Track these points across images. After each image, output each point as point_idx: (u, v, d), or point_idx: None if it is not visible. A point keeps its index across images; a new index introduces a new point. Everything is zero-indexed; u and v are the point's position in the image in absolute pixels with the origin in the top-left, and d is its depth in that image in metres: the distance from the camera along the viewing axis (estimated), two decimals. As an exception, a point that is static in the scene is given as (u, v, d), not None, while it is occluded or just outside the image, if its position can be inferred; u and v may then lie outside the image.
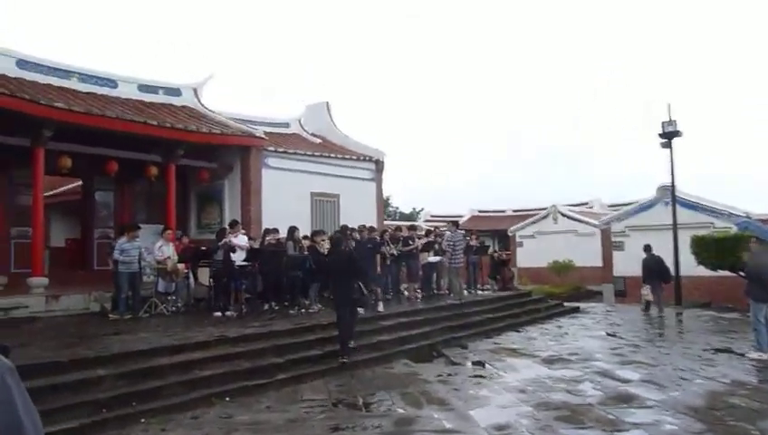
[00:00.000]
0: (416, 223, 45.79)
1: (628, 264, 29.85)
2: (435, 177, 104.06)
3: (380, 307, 15.82)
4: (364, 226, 18.56)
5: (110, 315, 14.45)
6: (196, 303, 16.45)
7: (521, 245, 43.53)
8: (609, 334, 16.52)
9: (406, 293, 18.43)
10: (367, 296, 12.92)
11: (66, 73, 18.16)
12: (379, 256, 17.45)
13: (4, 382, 3.04)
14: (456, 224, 19.35)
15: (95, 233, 21.14)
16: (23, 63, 17.79)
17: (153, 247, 15.68)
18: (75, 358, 10.06)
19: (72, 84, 17.99)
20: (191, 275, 16.44)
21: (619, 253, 31.92)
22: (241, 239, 15.67)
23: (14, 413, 3.01)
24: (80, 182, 22.77)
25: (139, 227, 15.15)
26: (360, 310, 13.41)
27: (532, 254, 42.18)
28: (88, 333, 12.45)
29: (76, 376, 9.62)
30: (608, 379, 11.39)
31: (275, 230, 16.61)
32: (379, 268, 17.22)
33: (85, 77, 18.33)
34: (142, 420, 9.03)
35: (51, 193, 24.86)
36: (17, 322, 13.93)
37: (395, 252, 18.08)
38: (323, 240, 15.63)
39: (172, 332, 12.48)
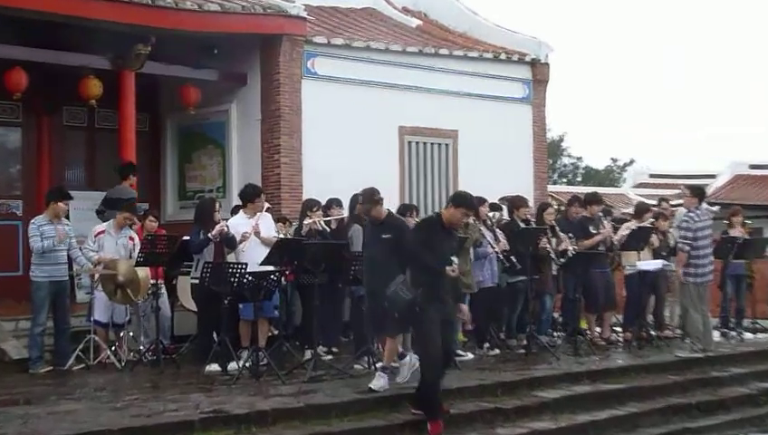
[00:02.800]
0: (619, 190, 40.24)
1: None
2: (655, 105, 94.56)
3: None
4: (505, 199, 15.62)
5: (31, 369, 12.90)
6: (176, 346, 14.31)
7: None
8: None
9: (587, 334, 15.44)
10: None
11: None
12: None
13: None
14: (699, 193, 15.18)
15: None
16: None
17: (89, 235, 13.99)
18: None
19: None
20: (164, 293, 14.26)
21: None
22: (239, 222, 13.53)
23: None
24: None
25: (69, 197, 13.32)
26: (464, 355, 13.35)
27: None
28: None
29: None
30: None
31: (336, 203, 14.37)
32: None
33: None
34: None
35: None
36: None
37: (570, 250, 14.70)
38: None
39: (124, 403, 10.69)
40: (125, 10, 15.15)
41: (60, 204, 12.90)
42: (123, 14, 15.13)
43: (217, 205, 13.66)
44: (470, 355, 13.38)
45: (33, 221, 12.92)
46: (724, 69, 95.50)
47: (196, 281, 12.75)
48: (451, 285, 11.18)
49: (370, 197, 12.32)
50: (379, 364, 11.85)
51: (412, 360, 11.45)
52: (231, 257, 13.04)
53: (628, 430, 11.90)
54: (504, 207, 15.42)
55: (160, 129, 18.91)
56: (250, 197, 13.36)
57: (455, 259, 10.60)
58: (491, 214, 14.66)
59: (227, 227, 12.96)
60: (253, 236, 12.96)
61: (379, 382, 11.15)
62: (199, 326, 13.37)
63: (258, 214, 13.26)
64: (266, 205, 13.72)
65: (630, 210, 18.98)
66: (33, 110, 17.71)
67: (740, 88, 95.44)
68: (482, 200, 14.11)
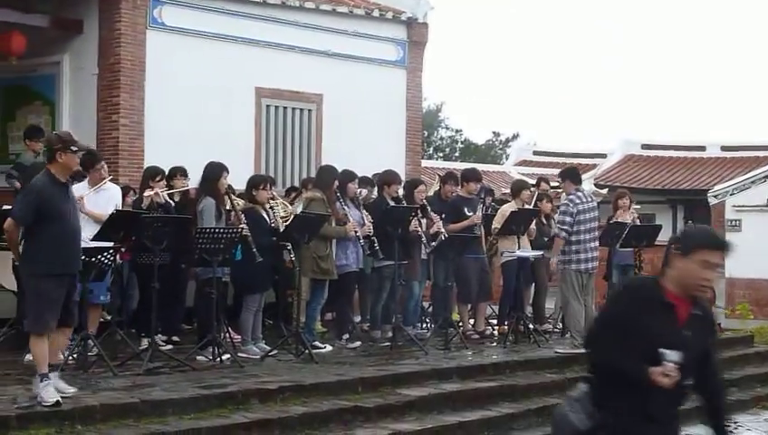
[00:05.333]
0: (500, 167, 40.92)
1: None
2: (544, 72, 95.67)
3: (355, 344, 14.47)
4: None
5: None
6: None
7: (736, 226, 34.50)
8: None
9: (459, 326, 15.61)
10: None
11: None
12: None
13: None
14: (571, 174, 15.54)
15: None
16: None
17: None
18: None
19: None
20: None
21: None
22: (77, 191, 12.60)
23: None
24: None
25: None
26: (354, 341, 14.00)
27: (762, 248, 33.79)
28: None
29: None
30: None
31: (181, 172, 14.46)
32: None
33: None
34: None
35: None
36: None
37: (443, 233, 14.79)
38: (273, 198, 14.33)
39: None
40: None
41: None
42: None
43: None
44: (328, 347, 13.48)
45: None
46: (626, 37, 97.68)
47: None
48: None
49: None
50: (225, 356, 11.91)
51: None
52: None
53: (502, 433, 12.02)
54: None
55: (-22, 84, 18.28)
56: (85, 165, 12.95)
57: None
58: (358, 191, 14.66)
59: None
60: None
61: None
62: (19, 309, 12.95)
63: (101, 186, 13.02)
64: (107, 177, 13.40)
65: (510, 189, 18.89)
66: None
67: (638, 60, 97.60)
68: (351, 175, 14.35)
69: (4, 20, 16.40)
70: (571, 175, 15.72)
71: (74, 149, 10.36)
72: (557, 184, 18.03)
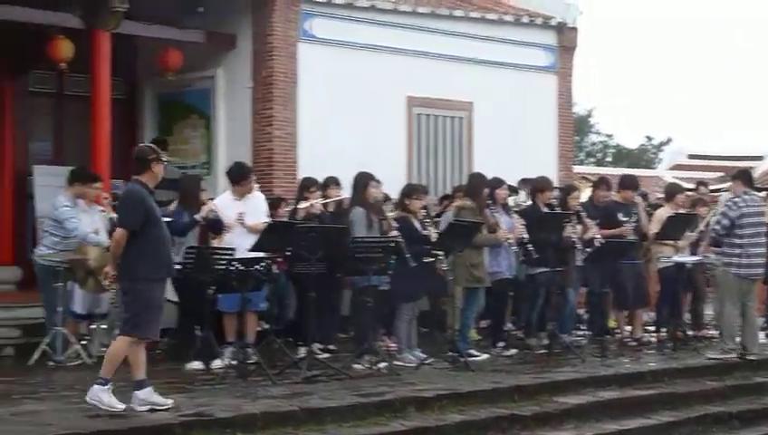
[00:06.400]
0: (654, 172, 40.03)
1: None
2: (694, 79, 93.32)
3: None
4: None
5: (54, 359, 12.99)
6: (152, 343, 13.17)
7: None
8: None
9: (616, 333, 15.78)
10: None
11: None
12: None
13: None
14: (743, 176, 14.91)
15: None
16: None
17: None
18: None
19: None
20: None
21: None
22: (226, 203, 13.60)
23: None
24: None
25: (97, 179, 14.05)
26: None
27: None
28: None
29: None
30: None
31: (334, 183, 14.49)
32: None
33: None
34: None
35: None
36: None
37: (598, 239, 14.59)
38: (425, 207, 14.05)
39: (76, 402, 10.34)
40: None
41: (87, 185, 13.60)
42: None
43: (203, 183, 13.82)
44: (484, 355, 13.39)
45: (63, 201, 13.49)
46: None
47: (182, 268, 12.72)
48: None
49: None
50: (381, 364, 12.15)
51: None
52: (216, 243, 13.30)
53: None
54: (522, 191, 15.51)
55: (138, 96, 18.74)
56: (236, 177, 13.43)
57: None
58: (509, 198, 14.67)
59: (215, 208, 13.10)
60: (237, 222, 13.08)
61: None
62: (180, 319, 13.50)
63: (248, 196, 13.23)
64: (256, 187, 13.73)
65: (664, 194, 18.48)
66: (-7, 75, 17.65)
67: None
68: (499, 182, 14.26)
69: (160, 37, 16.85)
70: (744, 177, 15.19)
71: (164, 159, 10.51)
72: (716, 187, 17.73)
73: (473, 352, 13.04)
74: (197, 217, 13.12)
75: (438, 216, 15.07)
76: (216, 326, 13.10)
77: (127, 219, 9.91)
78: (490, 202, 13.63)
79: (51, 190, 15.19)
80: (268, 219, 13.43)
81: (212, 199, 13.45)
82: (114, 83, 16.43)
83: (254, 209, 13.25)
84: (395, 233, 13.03)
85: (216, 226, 13.27)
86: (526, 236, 14.09)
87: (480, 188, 13.98)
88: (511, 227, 13.99)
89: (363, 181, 13.52)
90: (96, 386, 9.66)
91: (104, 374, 9.44)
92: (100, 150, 15.66)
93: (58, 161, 17.37)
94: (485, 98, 19.15)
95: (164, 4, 16.42)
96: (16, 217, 17.19)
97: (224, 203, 13.35)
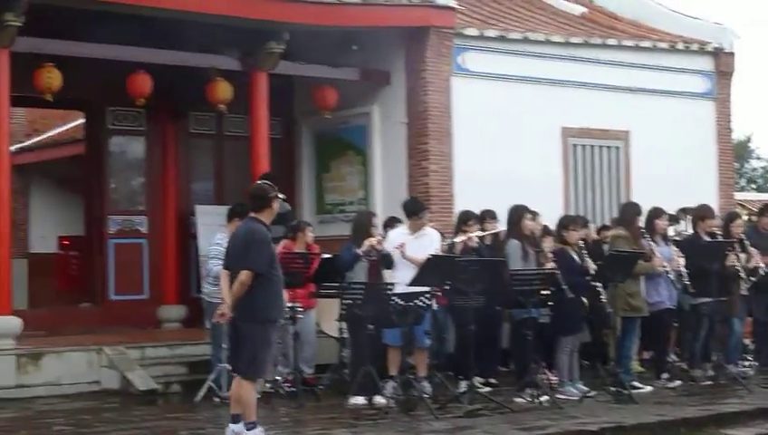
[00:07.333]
0: None
1: None
2: None
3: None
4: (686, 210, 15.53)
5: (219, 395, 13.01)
6: (316, 376, 14.37)
7: None
8: None
9: None
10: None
11: None
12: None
13: None
14: None
15: (109, 224, 18.57)
16: None
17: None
18: None
19: None
20: (309, 317, 14.30)
21: None
22: (398, 237, 13.39)
23: None
24: (81, 120, 21.25)
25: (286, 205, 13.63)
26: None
27: None
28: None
29: None
30: None
31: (490, 215, 14.43)
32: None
33: None
34: None
35: (25, 145, 24.72)
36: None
37: (762, 267, 14.42)
38: (583, 238, 14.04)
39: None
40: (256, 5, 15.29)
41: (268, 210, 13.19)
42: (254, 10, 15.24)
43: (375, 219, 13.90)
44: (648, 388, 13.20)
45: (217, 237, 13.59)
46: None
47: (349, 304, 12.81)
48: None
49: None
50: (543, 397, 12.06)
51: None
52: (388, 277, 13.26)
53: None
54: (683, 220, 15.19)
55: (295, 135, 19.05)
56: (409, 211, 13.47)
57: None
58: (670, 227, 14.46)
59: (381, 242, 13.22)
60: (399, 255, 13.05)
61: None
62: (351, 355, 13.49)
63: (422, 233, 13.23)
64: (427, 223, 13.62)
65: None
66: (157, 117, 18.12)
67: None
68: (659, 211, 14.13)
69: (316, 75, 17.05)
70: None
71: (280, 196, 10.45)
72: None
73: (636, 384, 12.86)
74: (359, 251, 13.19)
75: (599, 247, 14.99)
76: (379, 361, 12.93)
77: (256, 261, 9.69)
78: (643, 231, 13.47)
79: (213, 229, 15.27)
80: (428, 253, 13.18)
81: (382, 235, 13.52)
82: (271, 123, 16.78)
83: (427, 245, 13.16)
84: (551, 265, 12.95)
85: (385, 260, 13.27)
86: (683, 267, 13.86)
87: (633, 217, 13.86)
88: (669, 257, 13.79)
89: (518, 214, 13.48)
90: (249, 433, 9.73)
91: (249, 418, 9.46)
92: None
93: (219, 201, 17.67)
94: (642, 126, 18.96)
95: (319, 43, 16.69)
96: (180, 256, 17.54)
97: (395, 238, 13.39)
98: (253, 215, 9.75)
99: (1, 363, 13.66)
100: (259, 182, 11.21)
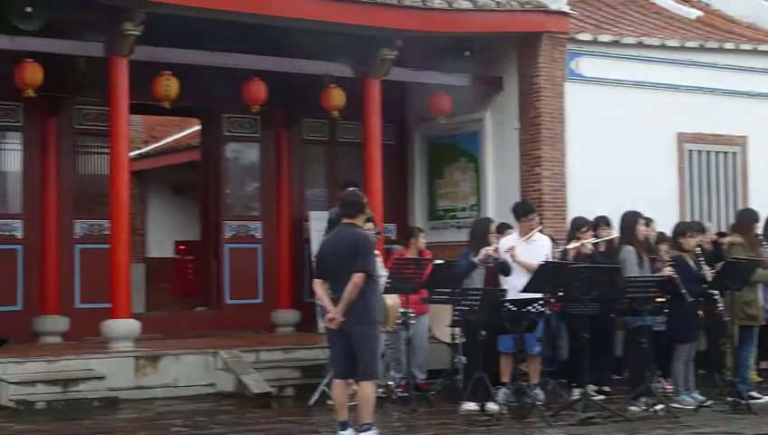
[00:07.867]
0: None
1: None
2: None
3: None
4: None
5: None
6: (429, 381, 14.27)
7: None
8: None
9: None
10: None
11: None
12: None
13: None
14: None
15: (225, 229, 18.58)
16: None
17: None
18: None
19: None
20: (422, 322, 14.24)
21: None
22: (509, 242, 13.26)
23: None
24: (197, 127, 21.46)
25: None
26: None
27: None
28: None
29: None
30: None
31: (604, 222, 14.32)
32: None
33: None
34: None
35: (143, 151, 25.31)
36: (81, 409, 12.74)
37: None
38: (700, 244, 13.67)
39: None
40: (369, 12, 15.34)
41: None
42: (367, 17, 15.33)
43: (492, 226, 13.82)
44: (766, 398, 12.98)
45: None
46: None
47: (464, 311, 12.61)
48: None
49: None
50: (658, 406, 11.91)
51: None
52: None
53: None
54: None
55: (407, 141, 19.08)
56: (518, 213, 13.40)
57: None
58: None
59: (498, 250, 13.14)
60: (509, 258, 12.98)
61: None
62: (455, 359, 13.43)
63: (533, 239, 13.13)
64: (537, 226, 13.55)
65: None
66: (271, 123, 18.26)
67: None
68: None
69: (428, 82, 17.04)
70: None
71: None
72: None
73: (754, 394, 12.63)
74: (475, 259, 13.12)
75: (716, 253, 14.76)
76: (491, 367, 12.85)
77: (369, 263, 9.87)
78: (761, 238, 13.22)
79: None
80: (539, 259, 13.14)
81: (497, 243, 13.38)
82: (384, 129, 16.85)
83: (538, 251, 13.10)
84: (668, 271, 12.76)
85: (502, 268, 13.16)
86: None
87: (750, 224, 13.63)
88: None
89: (632, 220, 13.31)
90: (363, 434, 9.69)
91: (366, 419, 9.45)
92: (372, 195, 15.61)
93: (332, 206, 17.15)
94: (760, 132, 18.72)
95: (431, 49, 16.66)
96: (294, 261, 17.54)
97: (507, 244, 13.33)
98: (349, 221, 9.84)
99: (120, 365, 13.82)
100: (348, 189, 11.37)
